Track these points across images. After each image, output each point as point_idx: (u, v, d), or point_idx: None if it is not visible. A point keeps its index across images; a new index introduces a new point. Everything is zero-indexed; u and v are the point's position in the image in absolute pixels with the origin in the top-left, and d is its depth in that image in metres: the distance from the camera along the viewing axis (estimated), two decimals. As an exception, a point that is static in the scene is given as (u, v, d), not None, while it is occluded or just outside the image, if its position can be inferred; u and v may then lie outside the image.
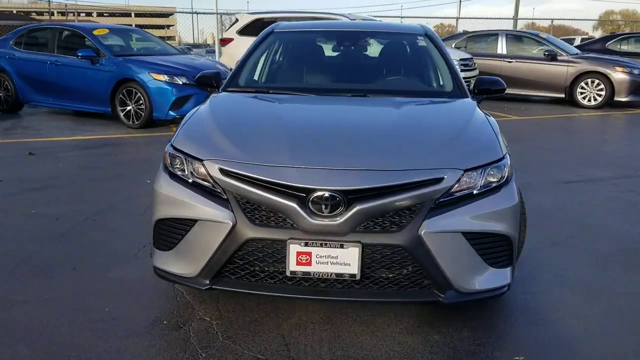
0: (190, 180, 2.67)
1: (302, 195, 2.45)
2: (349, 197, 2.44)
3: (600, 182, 5.70)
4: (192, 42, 53.47)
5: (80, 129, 8.57)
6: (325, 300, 2.61)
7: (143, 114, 8.46)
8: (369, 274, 2.51)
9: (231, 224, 2.50)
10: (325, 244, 2.45)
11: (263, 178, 2.49)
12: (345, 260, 2.45)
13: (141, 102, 8.43)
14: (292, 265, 2.47)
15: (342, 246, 2.44)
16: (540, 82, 12.03)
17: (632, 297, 3.13)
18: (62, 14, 36.53)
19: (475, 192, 2.59)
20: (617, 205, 4.88)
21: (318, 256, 2.46)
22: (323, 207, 2.43)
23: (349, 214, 2.43)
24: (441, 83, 3.84)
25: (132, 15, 78.53)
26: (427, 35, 4.20)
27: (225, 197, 2.56)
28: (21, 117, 9.84)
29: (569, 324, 2.82)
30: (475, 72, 10.91)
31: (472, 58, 10.95)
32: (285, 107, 3.36)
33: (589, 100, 11.63)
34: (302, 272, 2.48)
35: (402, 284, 2.54)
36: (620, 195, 5.18)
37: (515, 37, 13.05)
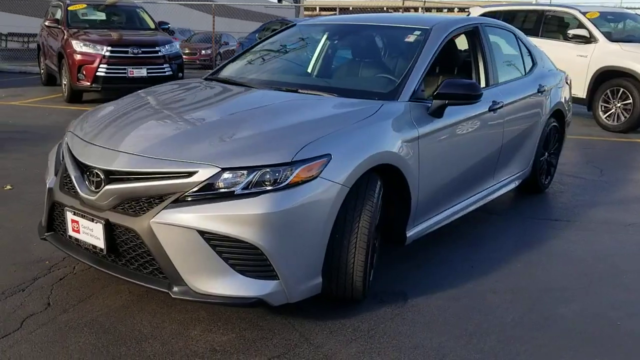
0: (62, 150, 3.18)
1: (83, 170, 2.74)
2: (110, 177, 2.62)
3: None
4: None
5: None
6: (97, 269, 2.79)
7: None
8: (122, 251, 2.63)
9: (48, 187, 2.93)
10: (84, 216, 2.67)
11: (71, 150, 2.86)
12: (96, 234, 2.64)
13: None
14: (70, 231, 2.78)
15: (93, 220, 2.64)
16: None
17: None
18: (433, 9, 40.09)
19: (237, 191, 2.45)
20: None
21: (83, 226, 2.70)
22: (91, 182, 2.67)
23: (100, 192, 2.61)
24: (387, 84, 3.40)
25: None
26: (430, 31, 3.65)
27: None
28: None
29: None
30: None
31: None
32: (188, 94, 3.54)
33: None
34: (75, 238, 2.76)
35: (148, 268, 2.59)
36: None
37: None
